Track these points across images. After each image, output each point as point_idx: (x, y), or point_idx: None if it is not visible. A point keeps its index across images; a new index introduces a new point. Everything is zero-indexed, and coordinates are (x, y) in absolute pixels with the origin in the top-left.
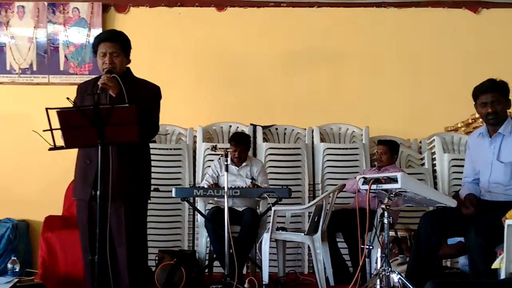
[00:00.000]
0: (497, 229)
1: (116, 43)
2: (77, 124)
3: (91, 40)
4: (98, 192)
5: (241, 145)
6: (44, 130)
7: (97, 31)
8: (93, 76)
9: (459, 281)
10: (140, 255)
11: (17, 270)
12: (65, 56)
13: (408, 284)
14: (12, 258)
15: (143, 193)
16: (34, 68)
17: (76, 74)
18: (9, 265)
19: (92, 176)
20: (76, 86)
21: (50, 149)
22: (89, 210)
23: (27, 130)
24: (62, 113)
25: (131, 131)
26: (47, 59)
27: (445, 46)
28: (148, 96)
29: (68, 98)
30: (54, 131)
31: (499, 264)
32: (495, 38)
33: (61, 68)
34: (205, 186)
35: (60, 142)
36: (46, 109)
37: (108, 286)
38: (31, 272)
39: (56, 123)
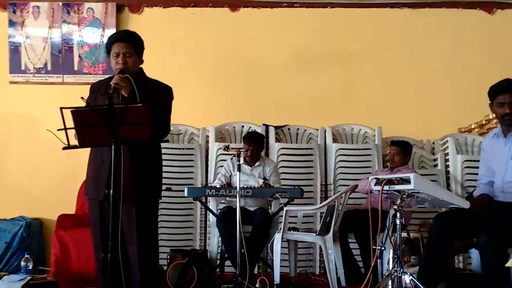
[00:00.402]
0: (510, 231)
1: (129, 43)
2: (91, 123)
3: (105, 40)
4: (111, 191)
5: (254, 144)
6: (58, 130)
7: (111, 31)
8: (107, 76)
9: (472, 282)
10: (151, 253)
11: (30, 268)
12: (79, 56)
13: (420, 286)
14: (26, 256)
15: (155, 192)
16: (49, 68)
17: (90, 74)
18: (22, 263)
19: (105, 176)
20: (90, 86)
21: (64, 148)
22: (101, 209)
23: (41, 129)
24: (77, 113)
25: (143, 130)
26: (62, 59)
27: (459, 47)
28: (160, 96)
29: (82, 98)
30: (68, 131)
31: None
32: (509, 39)
33: (75, 68)
34: (218, 186)
35: (74, 141)
36: (61, 108)
37: (120, 284)
38: (44, 270)
39: (70, 123)
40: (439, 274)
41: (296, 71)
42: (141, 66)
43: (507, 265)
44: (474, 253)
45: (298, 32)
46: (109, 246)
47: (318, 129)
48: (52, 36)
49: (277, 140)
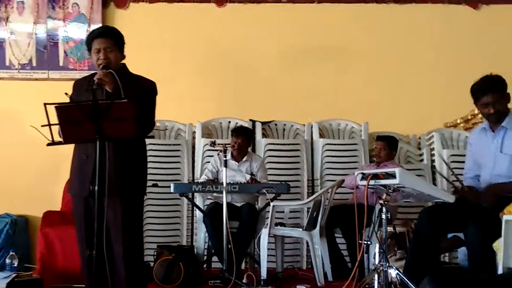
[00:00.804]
0: (496, 224)
1: (109, 38)
2: (75, 119)
3: None
4: (96, 188)
5: (243, 137)
6: (42, 125)
7: (96, 26)
8: (91, 72)
9: (457, 276)
10: (136, 250)
11: (15, 265)
12: (65, 52)
13: (406, 280)
14: (11, 253)
15: (140, 189)
16: (34, 64)
17: (76, 70)
18: (8, 260)
19: (89, 172)
20: (73, 82)
21: (48, 144)
22: (85, 205)
23: (26, 125)
24: (61, 109)
25: (128, 126)
26: (47, 54)
27: (445, 42)
28: (144, 91)
29: (66, 94)
30: (52, 127)
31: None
32: (495, 34)
33: (61, 64)
34: (203, 181)
35: (58, 137)
36: (45, 104)
37: (105, 281)
38: (30, 267)
39: (54, 119)
40: (425, 268)
41: (283, 67)
42: (124, 62)
43: (494, 245)
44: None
45: (285, 28)
46: (94, 243)
47: (304, 125)
48: (37, 32)
49: (264, 135)
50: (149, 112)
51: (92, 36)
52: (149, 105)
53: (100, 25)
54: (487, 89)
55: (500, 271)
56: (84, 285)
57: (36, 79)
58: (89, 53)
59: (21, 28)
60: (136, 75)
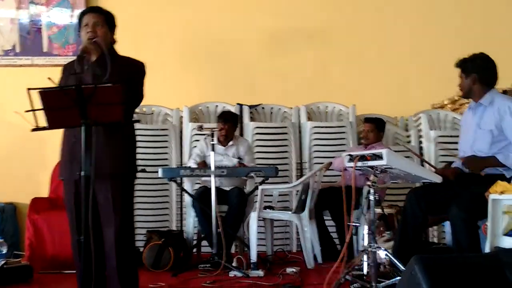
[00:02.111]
0: (480, 203)
1: (99, 14)
2: (60, 104)
3: (74, 20)
4: (82, 173)
5: (229, 123)
6: (26, 111)
7: (80, 11)
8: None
9: (444, 255)
10: (128, 236)
11: (4, 252)
12: (49, 37)
13: (395, 260)
14: None
15: (130, 172)
16: (17, 50)
17: (60, 56)
18: None
19: (79, 155)
20: (60, 68)
21: (33, 129)
22: (76, 189)
23: (11, 112)
24: (44, 93)
25: (115, 111)
26: (30, 40)
27: (429, 22)
28: (132, 72)
29: (49, 78)
30: (37, 112)
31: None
32: (479, 12)
33: (45, 50)
34: (193, 165)
35: (43, 122)
36: (28, 89)
37: (96, 266)
38: (19, 254)
39: (39, 104)
40: (413, 248)
41: (270, 50)
42: (114, 46)
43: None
44: (448, 227)
45: (271, 11)
46: (82, 228)
47: (292, 108)
48: (19, 17)
49: (252, 119)
50: (137, 91)
51: (83, 12)
52: (137, 85)
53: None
54: (456, 65)
55: (487, 250)
56: (74, 271)
57: (21, 66)
58: (79, 33)
59: (3, 14)
60: (124, 56)
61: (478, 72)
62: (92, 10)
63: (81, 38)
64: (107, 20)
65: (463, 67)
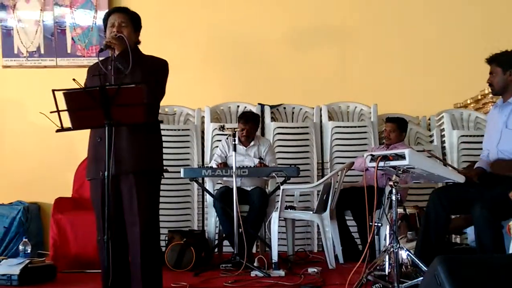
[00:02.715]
0: (504, 203)
1: (125, 14)
2: (83, 105)
3: (98, 22)
4: (106, 173)
5: (250, 123)
6: (51, 112)
7: (103, 13)
8: (101, 58)
9: (467, 255)
10: (152, 234)
11: (28, 251)
12: (72, 39)
13: (417, 261)
14: (24, 240)
15: (155, 168)
16: (42, 51)
17: (84, 57)
18: (21, 247)
19: (103, 155)
20: (83, 69)
21: (57, 130)
22: (102, 189)
23: (36, 113)
24: (69, 95)
25: (138, 112)
26: (54, 42)
27: (453, 21)
28: (155, 69)
29: (74, 79)
30: (62, 113)
31: None
32: (502, 9)
33: (69, 51)
34: (214, 166)
35: (67, 123)
36: (53, 90)
37: (121, 266)
38: (43, 253)
39: (63, 105)
40: (436, 249)
41: (291, 49)
42: (138, 46)
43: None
44: (469, 228)
45: (292, 10)
46: (108, 228)
47: (313, 108)
48: (44, 19)
49: (273, 119)
50: (160, 90)
51: (109, 13)
52: (160, 81)
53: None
54: (488, 61)
55: (511, 250)
56: (97, 270)
57: (45, 67)
58: (105, 31)
59: (28, 15)
60: (148, 55)
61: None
62: (118, 10)
63: (106, 36)
64: (132, 20)
65: (501, 62)
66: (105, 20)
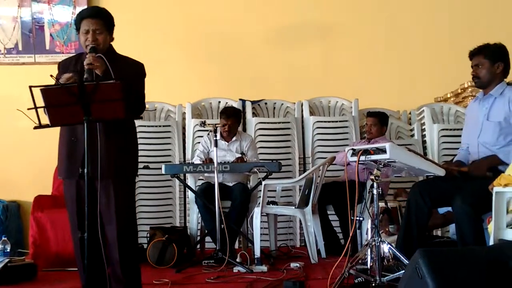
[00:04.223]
0: (485, 197)
1: (99, 19)
2: (62, 101)
3: None
4: (85, 170)
5: (232, 119)
6: (28, 109)
7: (82, 9)
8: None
9: (448, 248)
10: (130, 232)
11: (8, 250)
12: (51, 35)
13: (398, 254)
14: (3, 238)
15: (131, 170)
16: (20, 48)
17: (63, 53)
18: (0, 246)
19: (80, 154)
20: (58, 63)
21: (35, 127)
22: (77, 188)
23: (14, 110)
24: (46, 91)
25: (117, 107)
26: (33, 38)
27: (433, 17)
28: (132, 73)
29: (51, 76)
30: (39, 110)
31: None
32: (483, 4)
33: (47, 47)
34: (198, 163)
35: (45, 120)
36: (30, 87)
37: (98, 264)
38: (23, 252)
39: (41, 102)
40: (417, 242)
41: (272, 45)
42: (111, 43)
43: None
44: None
45: (274, 6)
46: (86, 226)
47: (295, 103)
48: (22, 15)
49: (254, 114)
50: (139, 94)
51: (81, 17)
52: (138, 86)
53: (86, 7)
54: (474, 53)
55: (491, 242)
56: (77, 269)
57: (23, 63)
58: (78, 32)
59: (6, 12)
60: (124, 56)
61: (505, 61)
62: (91, 15)
63: (81, 42)
64: (106, 25)
65: (489, 54)
66: (78, 23)
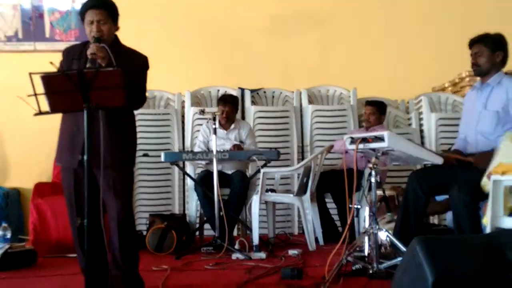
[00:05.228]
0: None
1: (103, 10)
2: (62, 88)
3: (76, 6)
4: (85, 158)
5: (229, 105)
6: (28, 95)
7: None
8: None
9: (445, 236)
10: (128, 217)
11: (8, 236)
12: (51, 23)
13: (396, 241)
14: (3, 225)
15: (130, 159)
16: (20, 36)
17: (62, 41)
18: (1, 232)
19: (80, 143)
20: (63, 50)
21: (35, 114)
22: (75, 175)
23: (14, 97)
24: (46, 78)
25: (117, 95)
26: (33, 26)
27: (432, 6)
28: (136, 65)
29: (51, 63)
30: (39, 97)
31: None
32: None
33: (47, 35)
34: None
35: (45, 107)
36: (30, 74)
37: (97, 250)
38: (23, 239)
39: (41, 89)
40: (415, 230)
41: (271, 34)
42: (116, 33)
43: (483, 221)
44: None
45: None
46: (86, 212)
47: (293, 92)
48: (21, 3)
49: (253, 103)
50: (141, 86)
51: (86, 7)
52: (140, 79)
53: None
54: (474, 41)
55: (488, 231)
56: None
57: (23, 51)
58: (82, 23)
59: (6, 0)
60: (129, 48)
61: (504, 51)
62: (96, 6)
63: (86, 33)
64: (110, 15)
65: (489, 43)
66: (82, 13)
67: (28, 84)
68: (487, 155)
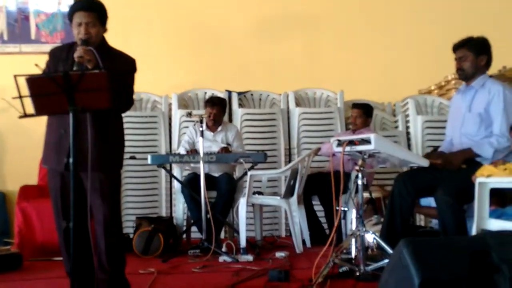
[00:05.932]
0: (466, 187)
1: (92, 12)
2: (47, 91)
3: (62, 8)
4: (71, 160)
5: (217, 107)
6: (13, 98)
7: (70, 4)
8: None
9: (431, 238)
10: (115, 220)
11: None
12: (36, 25)
13: (383, 244)
14: None
15: (117, 162)
16: (5, 38)
17: (48, 43)
18: None
19: (67, 146)
20: (49, 51)
21: (20, 117)
22: (62, 178)
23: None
24: (31, 80)
25: (102, 97)
26: (18, 28)
27: (418, 9)
28: (123, 68)
29: (37, 65)
30: (25, 99)
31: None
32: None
33: (33, 37)
34: (183, 152)
35: (30, 110)
36: (15, 76)
37: (83, 254)
38: (8, 242)
39: (26, 91)
40: (401, 231)
41: (258, 36)
42: (104, 34)
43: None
44: None
45: None
46: (71, 215)
47: (280, 94)
48: (7, 5)
49: (240, 105)
50: (128, 88)
51: (74, 9)
52: (128, 81)
53: None
54: (458, 45)
55: (474, 232)
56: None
57: (9, 53)
58: (70, 24)
59: None
60: (116, 50)
61: (488, 54)
62: (84, 8)
63: (74, 35)
64: (99, 17)
65: (473, 47)
66: (70, 15)
67: (13, 86)
68: (456, 157)
